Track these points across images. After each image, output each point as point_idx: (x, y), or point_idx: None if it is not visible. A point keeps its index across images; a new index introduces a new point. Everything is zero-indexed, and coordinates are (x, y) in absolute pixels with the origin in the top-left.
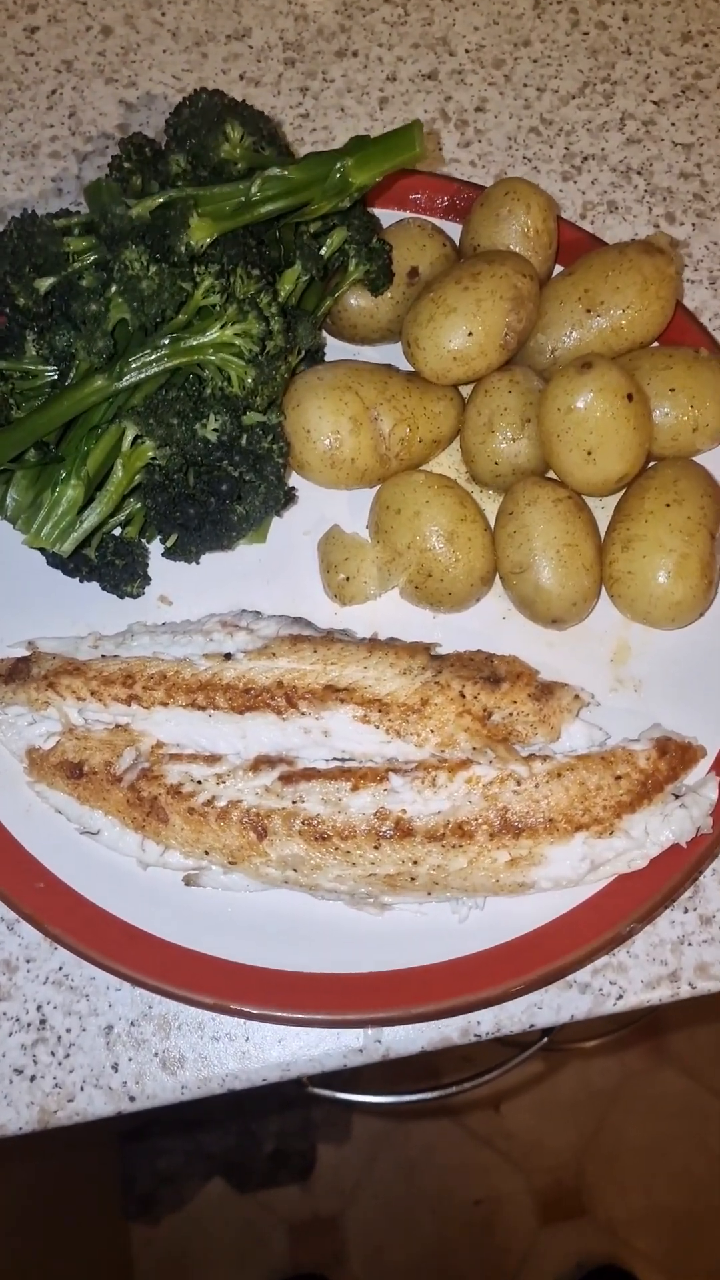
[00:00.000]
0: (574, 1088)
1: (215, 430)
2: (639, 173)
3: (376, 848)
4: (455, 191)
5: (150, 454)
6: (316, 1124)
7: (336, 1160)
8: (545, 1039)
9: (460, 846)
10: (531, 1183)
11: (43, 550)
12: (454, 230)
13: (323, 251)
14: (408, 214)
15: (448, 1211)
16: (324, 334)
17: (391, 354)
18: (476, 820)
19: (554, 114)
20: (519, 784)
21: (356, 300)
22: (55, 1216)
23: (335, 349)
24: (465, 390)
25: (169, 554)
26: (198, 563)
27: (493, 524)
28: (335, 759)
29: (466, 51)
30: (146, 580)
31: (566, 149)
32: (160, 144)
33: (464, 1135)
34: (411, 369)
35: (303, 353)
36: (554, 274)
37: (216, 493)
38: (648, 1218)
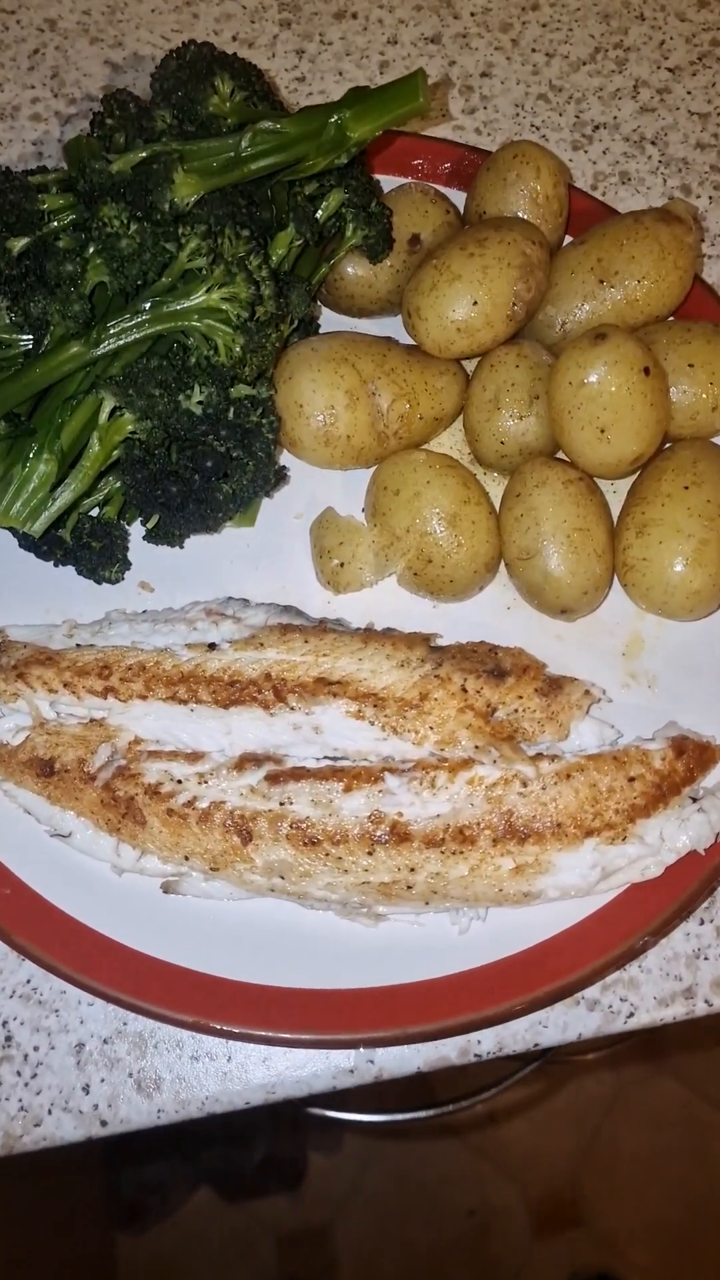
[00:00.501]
0: (570, 1097)
1: (200, 402)
2: (653, 143)
3: (370, 853)
4: (459, 157)
5: (130, 427)
6: (307, 1132)
7: (327, 1169)
8: (545, 1055)
9: (461, 853)
10: (526, 1193)
11: (13, 531)
12: (458, 199)
13: (318, 214)
14: (409, 180)
15: (441, 1222)
16: (319, 306)
17: (390, 328)
18: (479, 824)
19: (564, 80)
20: (525, 785)
21: (354, 269)
22: (37, 1225)
23: (330, 322)
24: (469, 366)
25: (150, 537)
26: (181, 546)
27: (498, 507)
28: (327, 758)
29: (472, 15)
30: (126, 565)
31: (577, 117)
32: (146, 102)
33: (458, 1145)
34: (412, 342)
35: (295, 322)
36: (564, 244)
37: (201, 470)
38: (644, 1230)
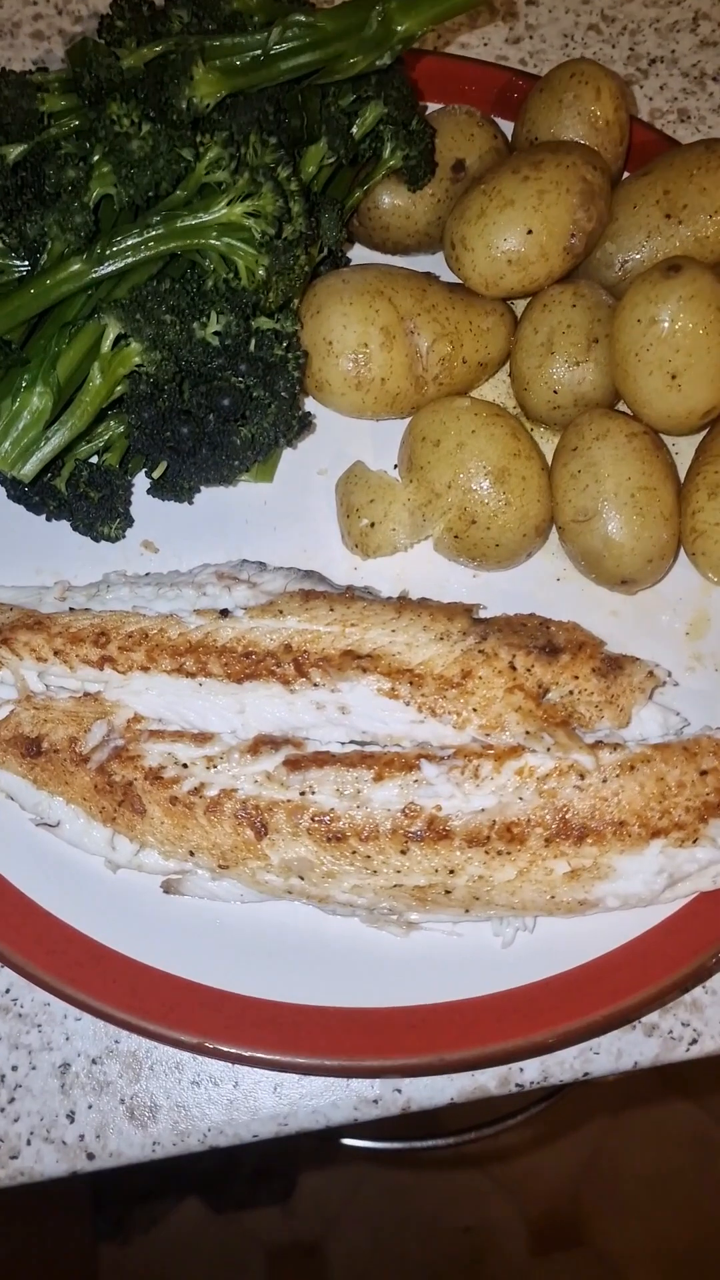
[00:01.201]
0: (573, 1110)
1: (217, 332)
2: (715, 79)
3: (404, 852)
4: (506, 82)
5: (136, 359)
6: (300, 1142)
7: (320, 1181)
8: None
9: (508, 854)
10: (525, 1210)
11: (3, 476)
12: (506, 130)
13: (353, 130)
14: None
15: (436, 1239)
16: (348, 239)
17: (428, 267)
18: (529, 821)
19: (617, 10)
20: (582, 778)
21: (390, 198)
22: (17, 1233)
23: (360, 260)
24: (518, 308)
25: (156, 489)
26: (190, 502)
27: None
28: (354, 742)
29: None
30: (127, 521)
31: (631, 50)
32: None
33: (455, 1158)
34: (455, 280)
35: (325, 250)
36: (623, 178)
37: (217, 409)
38: (647, 1252)
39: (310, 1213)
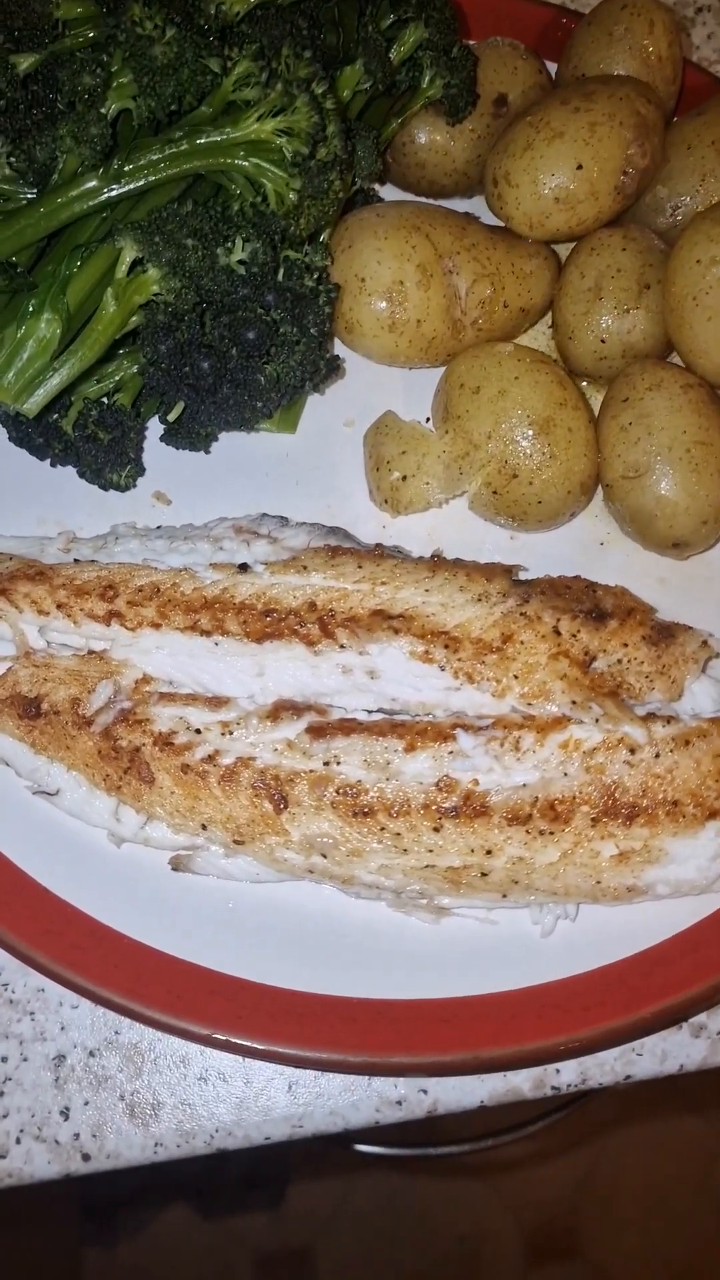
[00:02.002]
0: (572, 1120)
1: (243, 260)
2: None
3: (437, 829)
4: (551, 19)
5: (154, 286)
6: (291, 1146)
7: (311, 1187)
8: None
9: (551, 833)
10: (520, 1219)
11: (6, 417)
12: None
13: (391, 55)
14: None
15: (429, 1247)
16: (380, 182)
17: (465, 212)
18: (575, 799)
19: None
20: (633, 752)
21: (427, 134)
22: (2, 1236)
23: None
24: (563, 251)
25: (170, 436)
26: (207, 451)
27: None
28: (381, 710)
29: None
30: (138, 468)
31: None
32: None
33: (450, 1164)
34: (496, 224)
35: (357, 182)
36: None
37: (240, 342)
38: (643, 1264)
39: (300, 1218)
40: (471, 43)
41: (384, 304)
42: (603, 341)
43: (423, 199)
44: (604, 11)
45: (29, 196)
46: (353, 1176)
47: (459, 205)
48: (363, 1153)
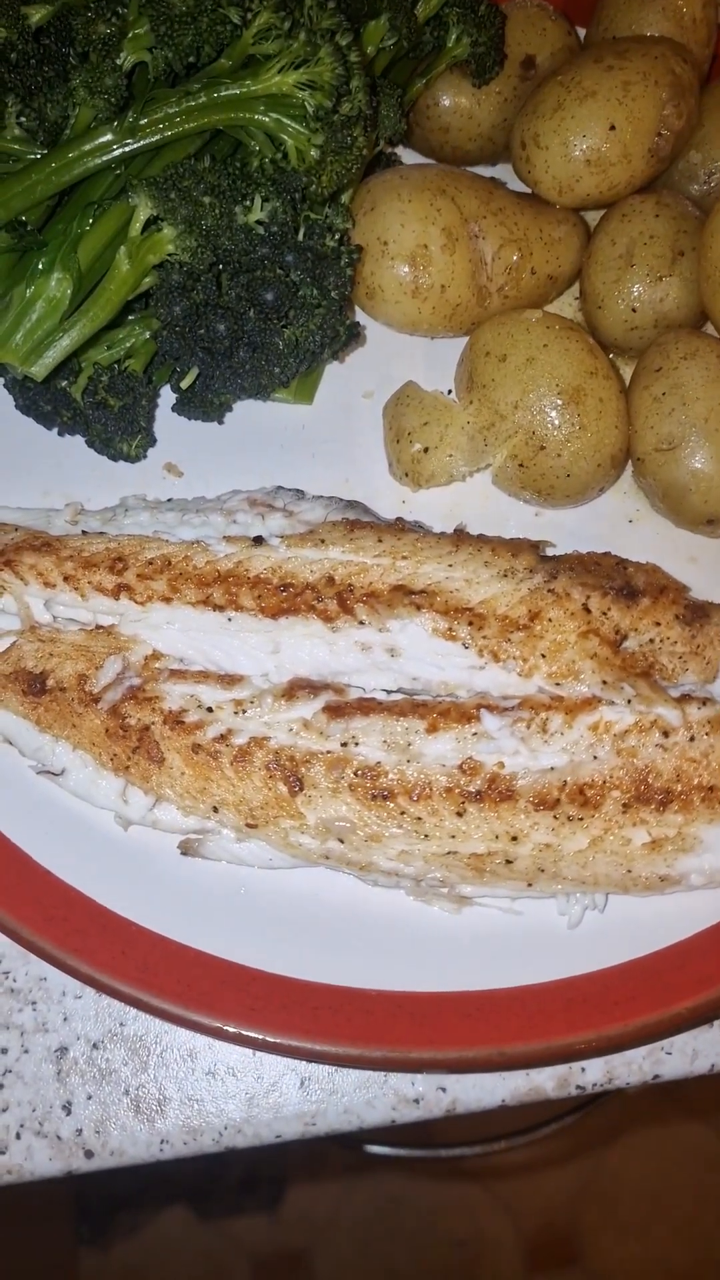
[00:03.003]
0: (573, 1125)
1: (261, 220)
2: None
3: (460, 814)
4: None
5: (169, 245)
6: (290, 1149)
7: (309, 1189)
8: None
9: (580, 819)
10: (520, 1225)
11: (12, 382)
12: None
13: (417, 10)
14: None
15: (428, 1252)
16: (403, 144)
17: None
18: (605, 783)
19: None
20: (666, 736)
21: (451, 97)
22: None
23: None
24: (591, 220)
25: (182, 405)
26: (220, 422)
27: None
28: (402, 690)
29: None
30: (149, 438)
31: None
32: None
33: (449, 1170)
34: (523, 190)
35: (380, 142)
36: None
37: (258, 303)
38: (644, 1271)
39: (298, 1221)
40: (500, 2)
41: (407, 268)
42: (634, 310)
43: (446, 165)
44: None
45: (35, 154)
46: (352, 1180)
47: (484, 173)
48: (363, 1155)
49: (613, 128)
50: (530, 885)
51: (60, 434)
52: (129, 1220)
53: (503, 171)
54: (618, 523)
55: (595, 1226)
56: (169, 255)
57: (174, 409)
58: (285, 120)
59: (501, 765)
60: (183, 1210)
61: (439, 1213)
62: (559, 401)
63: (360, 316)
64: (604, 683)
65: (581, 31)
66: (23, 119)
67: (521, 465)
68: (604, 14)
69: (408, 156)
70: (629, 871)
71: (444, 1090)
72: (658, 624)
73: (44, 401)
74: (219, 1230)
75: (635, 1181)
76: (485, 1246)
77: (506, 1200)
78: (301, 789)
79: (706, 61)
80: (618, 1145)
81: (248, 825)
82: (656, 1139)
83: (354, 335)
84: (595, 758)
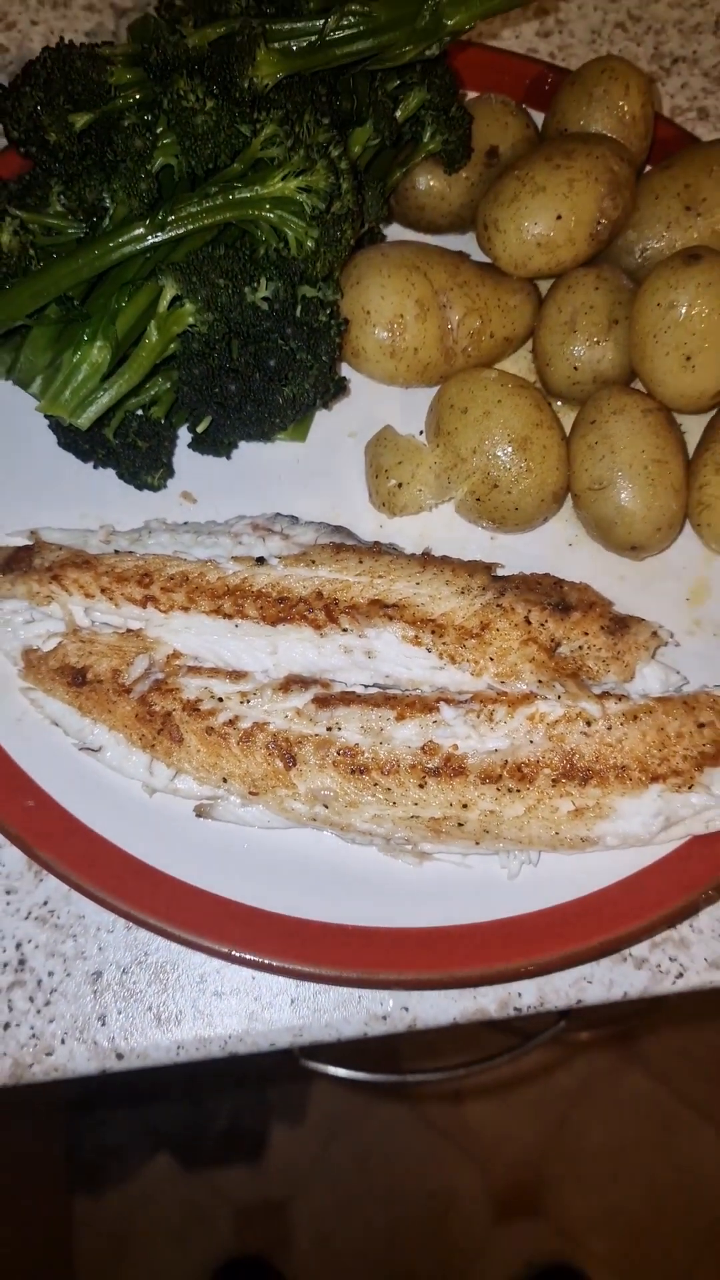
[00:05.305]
0: (537, 1083)
1: (266, 297)
2: None
3: (422, 786)
4: (538, 74)
5: (190, 318)
6: (272, 1104)
7: (290, 1143)
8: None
9: (518, 791)
10: (488, 1178)
11: (55, 426)
12: (537, 120)
13: (397, 113)
14: (488, 93)
15: (401, 1202)
16: (385, 220)
17: (458, 247)
18: (538, 762)
19: (643, 10)
20: (589, 725)
21: (427, 180)
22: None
23: (395, 238)
24: (543, 289)
25: (197, 444)
26: (228, 457)
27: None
28: (377, 685)
29: None
30: (169, 471)
31: (655, 49)
32: None
33: (422, 1126)
34: (485, 260)
35: (365, 226)
36: (645, 171)
37: (263, 368)
38: (605, 1220)
39: (279, 1172)
40: (468, 96)
41: (386, 334)
42: (575, 369)
43: (422, 236)
44: (586, 73)
45: (73, 230)
46: (329, 1132)
47: (454, 240)
48: (341, 1101)
49: (559, 217)
50: (478, 844)
51: (95, 467)
52: (117, 1169)
53: (470, 240)
54: (559, 547)
55: (559, 1180)
56: (190, 326)
57: (190, 446)
58: (287, 216)
59: (455, 747)
60: (169, 1160)
61: (412, 1166)
62: (510, 448)
63: (346, 370)
64: (540, 681)
65: (540, 116)
66: (64, 199)
67: (479, 499)
68: (558, 108)
69: (391, 228)
70: (557, 834)
71: (406, 1009)
72: (586, 634)
73: (83, 441)
74: (203, 1180)
75: (597, 1138)
76: (456, 1198)
77: (476, 1155)
78: (294, 764)
79: (644, 152)
80: (581, 1104)
81: (250, 793)
82: (617, 1099)
83: (341, 389)
84: (531, 742)
